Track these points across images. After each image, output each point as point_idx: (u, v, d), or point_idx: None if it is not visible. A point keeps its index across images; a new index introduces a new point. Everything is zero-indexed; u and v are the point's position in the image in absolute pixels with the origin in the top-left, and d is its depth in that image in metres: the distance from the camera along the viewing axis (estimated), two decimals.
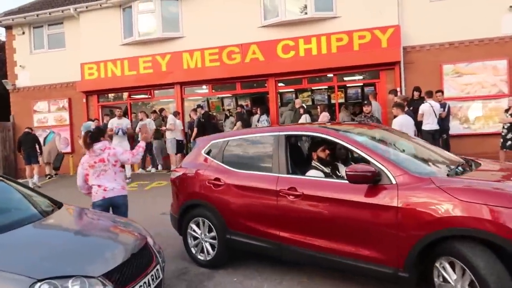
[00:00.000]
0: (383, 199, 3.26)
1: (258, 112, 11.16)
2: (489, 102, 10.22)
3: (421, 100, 9.36)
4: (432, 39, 10.57)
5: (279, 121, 12.07)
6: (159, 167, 12.49)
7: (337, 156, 4.56)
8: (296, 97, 13.52)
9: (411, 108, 9.03)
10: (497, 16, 10.10)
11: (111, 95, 14.04)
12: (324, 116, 10.52)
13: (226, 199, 4.40)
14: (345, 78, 12.10)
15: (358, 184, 3.38)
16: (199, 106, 11.85)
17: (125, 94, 13.57)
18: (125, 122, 11.02)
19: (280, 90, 12.48)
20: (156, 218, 6.85)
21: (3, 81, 14.80)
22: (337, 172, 4.29)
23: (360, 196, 3.38)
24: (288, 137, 4.27)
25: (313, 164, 4.20)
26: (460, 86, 10.41)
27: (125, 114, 12.92)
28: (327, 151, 4.23)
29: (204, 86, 12.95)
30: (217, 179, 4.50)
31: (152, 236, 3.89)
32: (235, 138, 4.92)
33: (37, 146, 11.67)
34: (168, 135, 11.29)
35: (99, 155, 4.57)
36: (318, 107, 10.88)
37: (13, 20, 14.20)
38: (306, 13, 11.31)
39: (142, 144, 5.04)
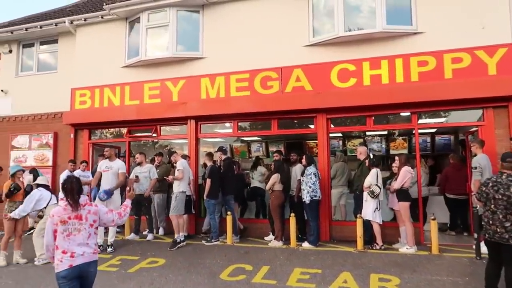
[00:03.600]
0: None
1: (304, 161, 7.70)
2: None
3: None
4: None
5: (330, 175, 8.58)
6: (160, 231, 9.03)
7: None
8: (344, 144, 10.12)
9: None
10: None
11: (106, 131, 10.88)
12: (407, 174, 7.00)
13: None
14: (429, 120, 8.64)
15: None
16: (221, 149, 8.52)
17: (124, 130, 10.38)
18: (117, 165, 7.75)
19: (333, 133, 9.05)
20: None
21: None
22: None
23: None
24: None
25: None
26: None
27: (119, 155, 9.71)
28: None
29: (227, 124, 9.69)
30: None
31: None
32: None
33: None
34: (175, 187, 7.92)
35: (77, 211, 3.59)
36: (396, 158, 7.35)
37: None
38: (374, 27, 8.10)
39: (128, 203, 4.22)
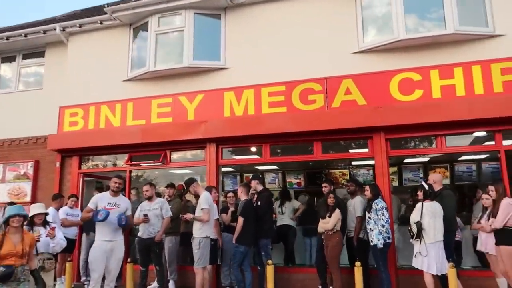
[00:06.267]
0: None
1: (368, 192, 5.92)
2: None
3: None
4: None
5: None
6: (170, 285, 6.94)
7: None
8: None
9: None
10: None
11: (100, 160, 8.89)
12: (510, 207, 5.27)
13: None
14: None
15: None
16: (256, 177, 6.70)
17: (124, 157, 8.42)
18: (124, 204, 5.78)
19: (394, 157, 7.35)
20: None
21: None
22: None
23: None
24: None
25: None
26: None
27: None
28: None
29: (253, 148, 7.91)
30: None
31: None
32: None
33: None
34: (197, 230, 5.97)
35: None
36: (490, 188, 5.62)
37: None
38: (445, 28, 6.67)
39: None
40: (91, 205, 5.55)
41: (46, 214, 5.14)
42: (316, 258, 6.58)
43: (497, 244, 5.41)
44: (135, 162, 8.22)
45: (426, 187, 5.55)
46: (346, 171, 9.87)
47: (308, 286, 6.57)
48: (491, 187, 5.66)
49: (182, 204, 7.57)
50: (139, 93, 8.31)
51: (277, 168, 9.67)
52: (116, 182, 5.60)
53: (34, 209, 5.00)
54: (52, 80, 9.42)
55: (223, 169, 8.65)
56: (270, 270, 5.97)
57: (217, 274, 7.05)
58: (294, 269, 7.14)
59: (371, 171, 9.63)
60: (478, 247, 5.91)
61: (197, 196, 6.33)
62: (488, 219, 5.65)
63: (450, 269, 5.31)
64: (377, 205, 5.74)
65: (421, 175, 8.92)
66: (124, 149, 8.21)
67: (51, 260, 4.95)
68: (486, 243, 5.70)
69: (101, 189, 8.53)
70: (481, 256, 7.02)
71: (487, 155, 8.33)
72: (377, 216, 5.69)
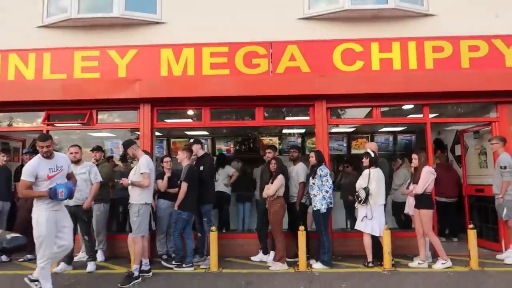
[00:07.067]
0: None
1: (313, 159, 6.00)
2: None
3: None
4: None
5: None
6: (99, 255, 6.43)
7: None
8: None
9: None
10: None
11: (11, 117, 7.67)
12: (430, 175, 5.78)
13: None
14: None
15: None
16: (198, 141, 6.36)
17: (41, 115, 7.36)
18: (65, 162, 4.80)
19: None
20: None
21: None
22: None
23: None
24: None
25: None
26: None
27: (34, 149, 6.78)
28: None
29: (190, 111, 7.49)
30: None
31: None
32: None
33: None
34: (135, 196, 5.48)
35: None
36: (414, 156, 6.02)
37: None
38: (387, 2, 6.88)
39: None
40: (28, 178, 4.35)
41: None
42: (257, 223, 6.58)
43: (417, 207, 5.93)
44: (54, 122, 7.24)
45: (372, 154, 5.81)
46: (275, 139, 10.00)
47: (248, 251, 6.57)
48: (414, 156, 6.13)
49: (111, 169, 6.96)
50: (58, 42, 7.23)
51: (207, 133, 9.40)
52: (42, 147, 4.41)
53: None
54: None
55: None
56: (213, 237, 5.82)
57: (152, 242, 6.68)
58: (234, 235, 7.08)
59: (299, 140, 9.92)
60: (406, 210, 6.43)
61: (130, 159, 5.81)
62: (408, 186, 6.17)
63: (385, 230, 5.71)
64: (322, 171, 5.85)
65: (345, 145, 9.43)
66: (40, 106, 7.17)
67: None
68: (410, 205, 6.23)
69: (7, 150, 7.47)
70: (399, 219, 7.78)
71: (404, 128, 9.10)
72: (321, 182, 5.82)
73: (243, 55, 6.98)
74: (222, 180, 7.85)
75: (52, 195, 4.35)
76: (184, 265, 5.81)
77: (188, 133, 9.60)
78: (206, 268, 5.89)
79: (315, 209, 5.86)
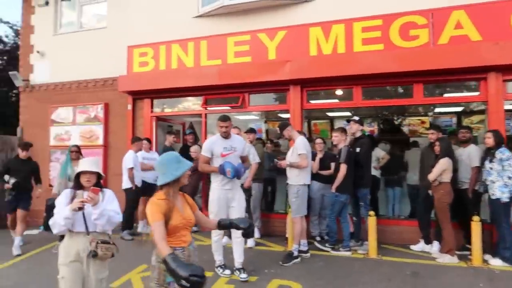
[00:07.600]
0: None
1: (491, 140, 5.22)
2: None
3: None
4: None
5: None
6: (256, 233, 6.73)
7: None
8: None
9: None
10: None
11: (173, 103, 8.51)
12: None
13: None
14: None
15: None
16: (358, 121, 6.13)
17: (199, 100, 7.99)
18: (240, 144, 5.08)
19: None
20: None
21: (10, 73, 9.68)
22: None
23: None
24: None
25: None
26: None
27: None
28: None
29: (339, 91, 7.24)
30: None
31: None
32: None
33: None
34: (294, 177, 5.52)
35: None
36: None
37: None
38: None
39: None
40: (205, 153, 4.78)
41: (100, 176, 3.21)
42: (418, 211, 6.09)
43: None
44: (211, 105, 7.77)
45: None
46: (426, 118, 9.15)
47: (406, 239, 6.15)
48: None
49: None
50: (212, 30, 7.69)
51: (349, 114, 9.02)
52: (222, 127, 4.71)
53: (83, 165, 3.16)
54: (116, 17, 8.87)
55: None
56: (372, 222, 5.57)
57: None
58: (390, 221, 6.70)
59: (454, 119, 8.89)
60: None
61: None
62: None
63: None
64: (503, 154, 5.06)
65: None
66: (199, 92, 7.76)
67: (107, 244, 3.08)
68: None
69: (172, 133, 8.29)
70: None
71: None
72: (502, 166, 5.04)
73: (399, 27, 6.40)
74: (372, 163, 7.47)
75: (220, 171, 4.69)
76: (341, 249, 5.72)
77: (329, 114, 9.41)
78: (364, 254, 5.70)
79: (493, 197, 5.12)
